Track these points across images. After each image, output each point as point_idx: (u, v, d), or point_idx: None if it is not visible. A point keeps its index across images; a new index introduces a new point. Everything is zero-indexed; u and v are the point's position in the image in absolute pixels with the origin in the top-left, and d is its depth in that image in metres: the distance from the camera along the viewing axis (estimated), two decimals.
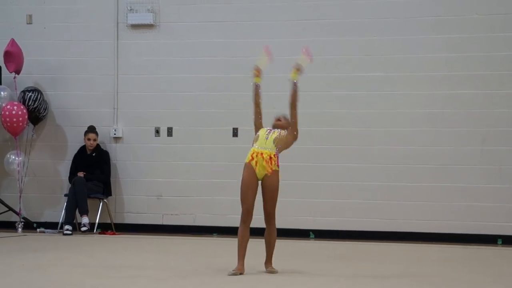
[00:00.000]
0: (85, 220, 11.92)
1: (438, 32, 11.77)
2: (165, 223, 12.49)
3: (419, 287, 7.30)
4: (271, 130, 8.04)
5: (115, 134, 12.67)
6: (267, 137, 7.94)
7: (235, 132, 12.37)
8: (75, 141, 12.70)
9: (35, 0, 12.89)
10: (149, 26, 12.55)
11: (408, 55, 11.88)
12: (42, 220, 12.72)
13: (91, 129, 12.45)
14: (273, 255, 8.07)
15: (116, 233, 12.23)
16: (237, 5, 12.41)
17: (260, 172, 7.85)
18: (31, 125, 12.72)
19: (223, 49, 12.41)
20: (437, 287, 7.32)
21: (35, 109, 12.49)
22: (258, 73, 8.31)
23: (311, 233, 11.95)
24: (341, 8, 12.08)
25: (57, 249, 10.08)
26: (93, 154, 12.45)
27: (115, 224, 12.49)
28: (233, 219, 12.10)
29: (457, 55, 11.70)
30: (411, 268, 8.60)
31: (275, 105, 12.52)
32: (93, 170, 12.36)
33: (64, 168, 12.70)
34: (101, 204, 12.37)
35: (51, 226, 12.42)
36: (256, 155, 7.87)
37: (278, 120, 8.18)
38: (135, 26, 12.63)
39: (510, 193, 11.51)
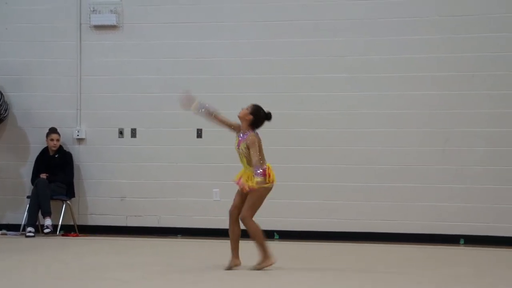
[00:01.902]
0: (48, 222, 11.84)
1: (400, 34, 11.83)
2: (129, 224, 12.44)
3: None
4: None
5: (78, 135, 12.60)
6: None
7: (199, 133, 12.35)
8: (37, 143, 12.63)
9: None
10: (112, 27, 12.51)
11: (371, 56, 11.93)
12: (4, 222, 12.65)
13: (53, 130, 12.38)
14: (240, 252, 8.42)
15: (80, 235, 12.16)
16: (200, 6, 12.38)
17: None
18: None
19: (186, 50, 12.40)
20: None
21: None
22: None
23: (275, 233, 11.96)
24: (305, 10, 12.09)
25: (20, 251, 10.03)
26: (56, 156, 12.38)
27: (78, 226, 12.41)
28: (198, 221, 12.23)
29: (419, 56, 11.78)
30: (372, 269, 8.66)
31: (240, 104, 12.50)
32: (56, 172, 12.27)
33: (26, 169, 12.62)
34: (64, 205, 12.28)
35: (14, 228, 12.34)
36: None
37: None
38: (98, 27, 12.57)
39: (472, 193, 11.58)
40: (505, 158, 11.53)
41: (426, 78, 11.78)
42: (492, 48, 11.60)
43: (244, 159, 8.39)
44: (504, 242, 11.29)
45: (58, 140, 12.35)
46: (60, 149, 12.43)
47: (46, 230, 11.79)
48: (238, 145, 8.42)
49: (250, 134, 8.38)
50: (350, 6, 11.99)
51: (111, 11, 12.50)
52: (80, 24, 12.62)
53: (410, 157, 11.77)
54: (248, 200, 8.34)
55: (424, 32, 11.78)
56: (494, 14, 11.63)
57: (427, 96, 11.75)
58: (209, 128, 12.11)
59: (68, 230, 12.27)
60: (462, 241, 11.54)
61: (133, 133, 12.51)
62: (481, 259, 10.06)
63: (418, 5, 11.86)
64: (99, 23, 12.53)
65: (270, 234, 11.87)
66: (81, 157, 12.64)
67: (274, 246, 9.48)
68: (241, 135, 8.43)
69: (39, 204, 11.92)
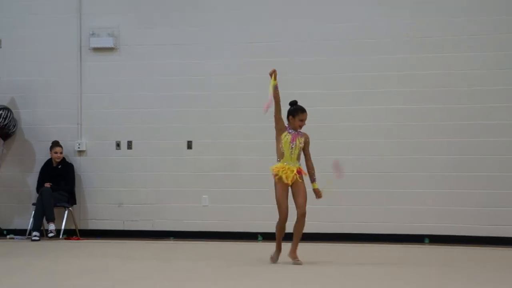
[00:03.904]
0: (51, 227, 12.09)
1: (393, 52, 12.09)
2: (126, 228, 12.67)
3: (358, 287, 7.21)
4: (293, 140, 8.81)
5: (79, 147, 12.85)
6: (291, 153, 8.81)
7: (189, 145, 12.60)
8: (42, 155, 12.86)
9: (4, 26, 13.11)
10: (110, 49, 12.77)
11: (355, 74, 12.16)
12: (12, 227, 12.92)
13: (56, 143, 12.61)
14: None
15: (81, 238, 12.37)
16: (191, 29, 12.61)
17: (289, 176, 8.77)
18: (1, 141, 12.89)
19: (178, 69, 12.60)
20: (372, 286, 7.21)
21: (5, 126, 12.62)
22: (275, 75, 8.80)
23: (259, 235, 12.11)
24: (294, 31, 12.31)
25: (26, 254, 10.04)
26: (59, 166, 12.60)
27: (79, 230, 12.62)
28: (188, 224, 12.32)
29: (413, 72, 12.06)
30: (350, 269, 8.55)
31: (231, 119, 12.17)
32: (59, 181, 12.52)
33: (32, 179, 12.87)
34: (66, 212, 12.48)
35: (20, 233, 12.58)
36: (284, 170, 8.78)
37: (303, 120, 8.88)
38: (97, 49, 12.82)
39: (437, 197, 11.87)
40: (468, 165, 11.83)
41: (404, 93, 12.03)
42: (464, 66, 11.89)
43: (296, 154, 8.76)
44: (467, 240, 11.60)
45: (61, 152, 12.59)
46: (63, 160, 12.64)
47: (50, 235, 12.04)
48: (293, 140, 8.77)
49: (303, 133, 8.88)
50: (338, 27, 12.16)
51: (108, 34, 12.77)
52: (81, 46, 12.87)
53: (386, 164, 12.02)
54: (303, 193, 8.76)
55: (414, 51, 12.01)
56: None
57: (406, 110, 12.03)
58: (198, 140, 12.53)
59: (70, 234, 12.50)
60: (426, 240, 11.82)
61: (129, 145, 12.79)
62: (446, 256, 10.07)
63: (410, 24, 12.04)
64: (98, 45, 12.77)
65: (254, 236, 12.05)
66: (82, 167, 12.88)
67: (258, 247, 9.68)
68: (292, 131, 8.85)
69: (44, 210, 12.12)
